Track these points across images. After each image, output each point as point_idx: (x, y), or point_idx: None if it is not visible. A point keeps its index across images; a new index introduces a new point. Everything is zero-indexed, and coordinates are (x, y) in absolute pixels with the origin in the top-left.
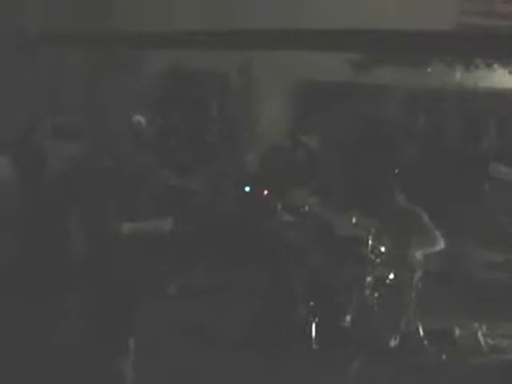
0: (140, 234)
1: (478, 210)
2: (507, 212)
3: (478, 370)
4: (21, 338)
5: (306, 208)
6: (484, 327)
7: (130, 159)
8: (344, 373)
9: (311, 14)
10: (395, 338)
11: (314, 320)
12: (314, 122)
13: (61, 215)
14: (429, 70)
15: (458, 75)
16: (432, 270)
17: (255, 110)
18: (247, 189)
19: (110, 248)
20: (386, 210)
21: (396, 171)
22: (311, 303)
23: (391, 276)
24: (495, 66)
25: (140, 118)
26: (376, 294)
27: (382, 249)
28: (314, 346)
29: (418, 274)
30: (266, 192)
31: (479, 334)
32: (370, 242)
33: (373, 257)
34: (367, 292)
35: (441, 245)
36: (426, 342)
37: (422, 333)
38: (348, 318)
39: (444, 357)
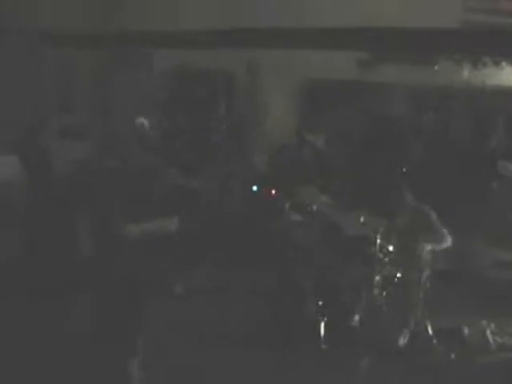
0: (147, 234)
1: (486, 208)
2: None
3: (487, 368)
4: (28, 337)
5: (314, 207)
6: (493, 325)
7: (136, 160)
8: (353, 372)
9: (318, 12)
10: (404, 337)
11: (323, 319)
12: (321, 120)
13: (68, 215)
14: (436, 67)
15: (466, 73)
16: (440, 269)
17: (262, 109)
18: (255, 188)
19: (117, 248)
20: (394, 209)
21: (404, 170)
22: (320, 303)
23: (399, 275)
24: (503, 63)
25: (147, 119)
26: (384, 293)
27: (391, 248)
28: (323, 346)
29: (427, 273)
30: (273, 191)
31: (488, 332)
32: (378, 240)
33: (381, 256)
34: (376, 291)
35: (448, 243)
36: (434, 341)
37: (430, 332)
38: (356, 317)
39: (453, 355)
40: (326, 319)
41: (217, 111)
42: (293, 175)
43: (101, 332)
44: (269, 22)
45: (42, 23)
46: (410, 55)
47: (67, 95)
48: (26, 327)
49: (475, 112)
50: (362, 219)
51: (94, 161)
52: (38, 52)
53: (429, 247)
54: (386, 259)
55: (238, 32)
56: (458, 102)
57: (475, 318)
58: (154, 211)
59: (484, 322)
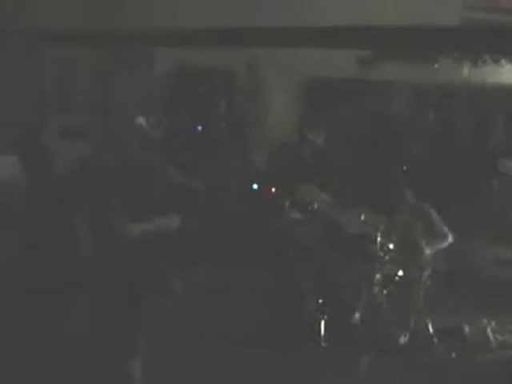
0: (147, 233)
1: (486, 206)
2: None
3: (488, 366)
4: (28, 337)
5: (314, 205)
6: (493, 324)
7: (136, 158)
8: (353, 370)
9: (318, 10)
10: (404, 336)
11: (323, 317)
12: (321, 118)
13: (68, 215)
14: (436, 66)
15: (466, 71)
16: (441, 267)
17: (262, 107)
18: (255, 186)
19: (117, 248)
20: (394, 207)
21: (404, 168)
22: (320, 301)
23: (400, 273)
24: (503, 61)
25: (147, 117)
26: (385, 292)
27: (391, 246)
28: (323, 344)
29: (427, 271)
30: (273, 189)
31: (488, 330)
32: (379, 239)
33: (381, 254)
34: (376, 289)
35: (449, 241)
36: (435, 339)
37: (431, 330)
38: (357, 315)
39: (453, 354)
40: (326, 317)
41: (217, 109)
42: (293, 173)
43: (101, 332)
44: (269, 20)
45: (42, 23)
46: (410, 53)
47: (67, 95)
48: (25, 327)
49: (475, 110)
50: (362, 217)
51: (93, 160)
52: (38, 52)
53: (429, 245)
54: (387, 257)
55: (238, 30)
56: (458, 100)
57: (476, 316)
58: (155, 210)
59: (484, 320)
